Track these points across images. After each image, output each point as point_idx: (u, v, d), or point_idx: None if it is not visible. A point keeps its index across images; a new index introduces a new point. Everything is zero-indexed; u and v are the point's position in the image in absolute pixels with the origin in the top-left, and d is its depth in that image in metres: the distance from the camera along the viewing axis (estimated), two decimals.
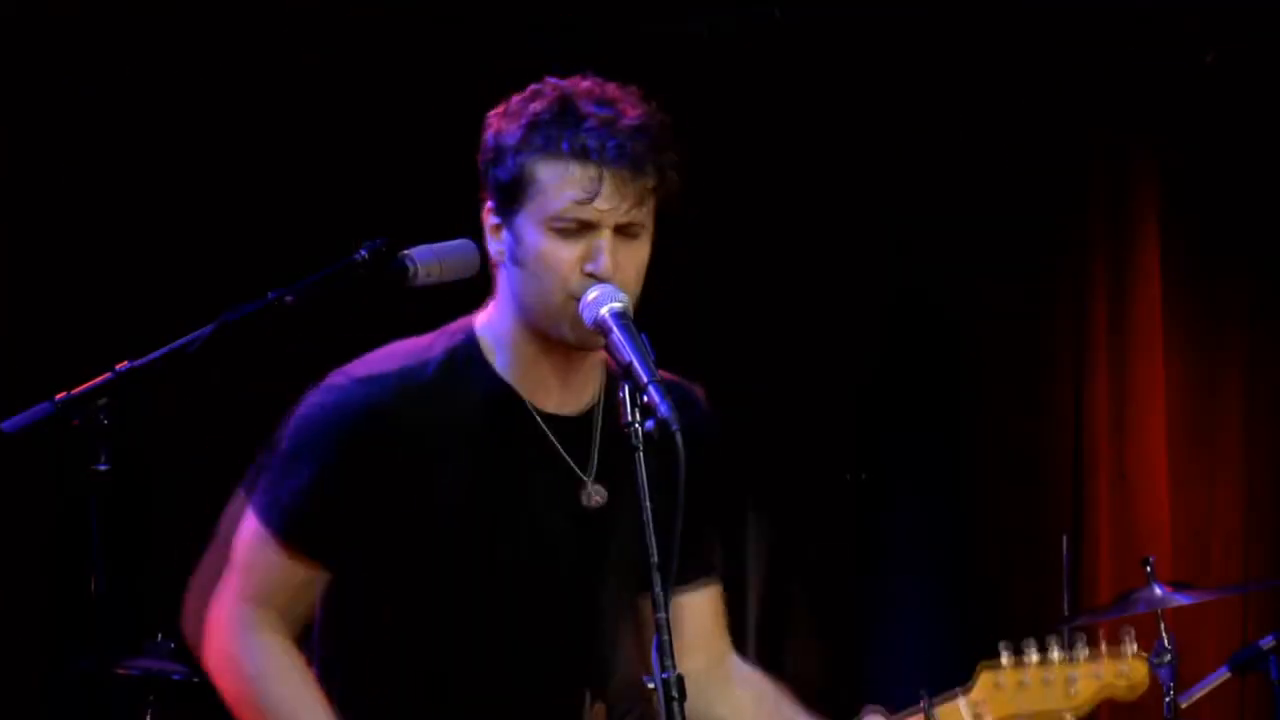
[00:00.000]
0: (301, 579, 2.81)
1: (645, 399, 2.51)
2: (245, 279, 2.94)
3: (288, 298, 2.59)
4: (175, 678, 5.23)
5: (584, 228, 2.69)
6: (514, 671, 2.81)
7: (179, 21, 5.92)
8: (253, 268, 5.26)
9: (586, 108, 2.71)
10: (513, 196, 2.74)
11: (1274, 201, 6.42)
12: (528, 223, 2.72)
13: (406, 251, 2.69)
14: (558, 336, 2.73)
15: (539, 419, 2.79)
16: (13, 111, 5.78)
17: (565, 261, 2.69)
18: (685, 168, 2.78)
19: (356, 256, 2.65)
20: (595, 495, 2.82)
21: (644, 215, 2.73)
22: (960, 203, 6.49)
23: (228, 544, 2.84)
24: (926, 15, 6.29)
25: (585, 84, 2.74)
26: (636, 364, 2.54)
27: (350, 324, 3.26)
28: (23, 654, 5.73)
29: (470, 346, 2.82)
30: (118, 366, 2.49)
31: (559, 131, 2.70)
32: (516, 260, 2.74)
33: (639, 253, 2.74)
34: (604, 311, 2.63)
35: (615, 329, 2.60)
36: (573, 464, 2.81)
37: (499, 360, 2.80)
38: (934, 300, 6.56)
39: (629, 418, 2.53)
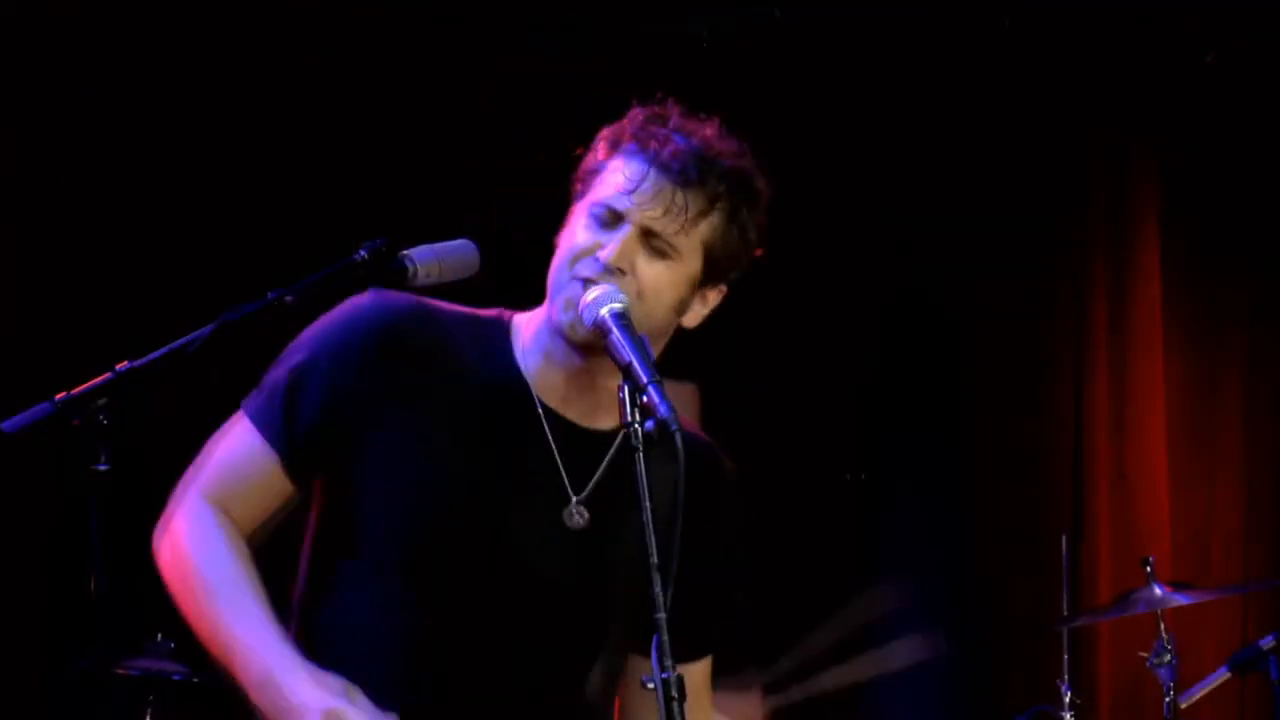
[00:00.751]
0: (261, 475, 2.76)
1: (645, 399, 2.51)
2: (245, 279, 2.94)
3: (288, 298, 2.59)
4: (175, 678, 5.23)
5: (614, 221, 2.69)
6: (465, 668, 2.73)
7: (179, 21, 5.92)
8: (253, 268, 5.27)
9: (673, 123, 2.73)
10: (584, 183, 2.76)
11: (1274, 201, 6.42)
12: (578, 208, 2.75)
13: (406, 251, 2.69)
14: (555, 321, 2.70)
15: (544, 415, 2.75)
16: (13, 111, 5.78)
17: (586, 243, 2.69)
18: (763, 241, 2.77)
19: (356, 256, 2.65)
20: (577, 516, 2.77)
21: (677, 236, 2.69)
22: (960, 203, 6.49)
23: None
24: (926, 15, 6.29)
25: (699, 120, 2.75)
26: (636, 364, 2.53)
27: None
28: (23, 654, 5.73)
29: (499, 325, 2.81)
30: (118, 366, 2.49)
31: (634, 133, 2.72)
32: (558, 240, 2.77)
33: (663, 274, 2.70)
34: (604, 312, 2.62)
35: (615, 329, 2.59)
36: (564, 475, 2.76)
37: (521, 346, 2.78)
38: (934, 300, 6.55)
39: (628, 418, 2.52)
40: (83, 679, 5.38)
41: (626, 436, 2.60)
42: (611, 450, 2.77)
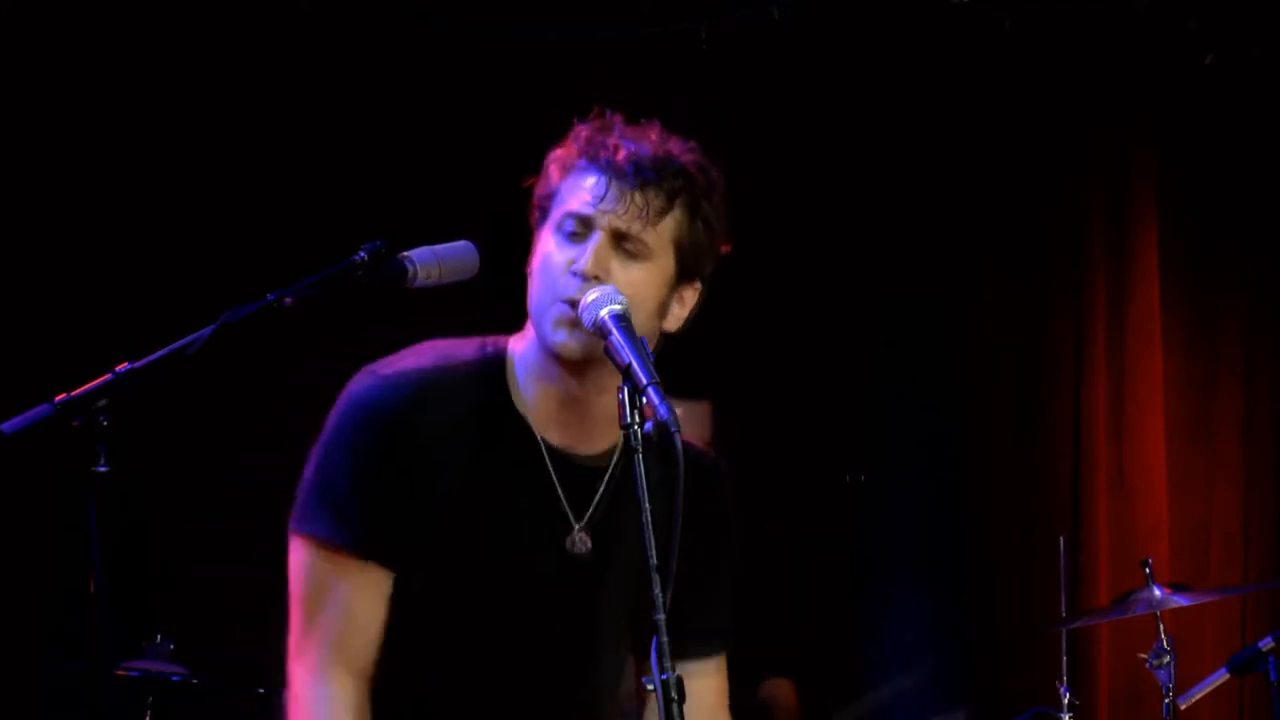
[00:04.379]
0: (367, 594, 2.76)
1: (644, 401, 2.50)
2: (245, 279, 2.94)
3: (287, 299, 2.59)
4: (175, 679, 5.24)
5: (583, 231, 2.69)
6: (481, 703, 2.79)
7: (179, 21, 5.93)
8: (253, 268, 5.27)
9: (620, 131, 2.75)
10: (543, 210, 2.77)
11: (1274, 201, 6.42)
12: (545, 231, 2.75)
13: (406, 253, 2.69)
14: (545, 344, 2.72)
15: (545, 453, 2.77)
16: (12, 111, 5.78)
17: (559, 261, 2.69)
18: (730, 232, 2.80)
19: (356, 258, 2.65)
20: (579, 543, 2.79)
21: (648, 235, 2.71)
22: (960, 203, 6.49)
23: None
24: (926, 15, 6.30)
25: (642, 126, 2.78)
26: (636, 366, 2.52)
27: (350, 325, 3.27)
28: (22, 654, 5.73)
29: (497, 365, 2.81)
30: (117, 368, 2.49)
31: (585, 147, 2.74)
32: (530, 268, 2.77)
33: (640, 276, 2.71)
34: (603, 313, 2.61)
35: (615, 330, 2.58)
36: (566, 505, 2.78)
37: (519, 385, 2.79)
38: (933, 300, 6.56)
39: (628, 419, 2.52)
40: (82, 680, 5.39)
41: (623, 457, 2.72)
42: (607, 475, 2.81)
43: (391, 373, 2.78)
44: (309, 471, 2.79)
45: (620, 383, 2.53)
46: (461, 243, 2.76)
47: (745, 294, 6.47)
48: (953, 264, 6.54)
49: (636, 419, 2.52)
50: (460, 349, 2.83)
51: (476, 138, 6.13)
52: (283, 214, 5.99)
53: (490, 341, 2.84)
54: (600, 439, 2.80)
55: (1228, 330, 6.52)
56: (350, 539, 2.73)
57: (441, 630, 2.77)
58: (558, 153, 2.77)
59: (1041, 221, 6.55)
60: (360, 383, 2.79)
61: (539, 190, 2.78)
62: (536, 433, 2.78)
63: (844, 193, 6.48)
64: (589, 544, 2.80)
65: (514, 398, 2.79)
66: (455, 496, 2.74)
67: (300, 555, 2.78)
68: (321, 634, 2.75)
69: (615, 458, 2.81)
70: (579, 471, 2.80)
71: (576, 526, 2.79)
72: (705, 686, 2.94)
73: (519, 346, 2.82)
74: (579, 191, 2.71)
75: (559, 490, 2.78)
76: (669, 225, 2.73)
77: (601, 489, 2.81)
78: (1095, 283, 6.52)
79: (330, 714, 2.74)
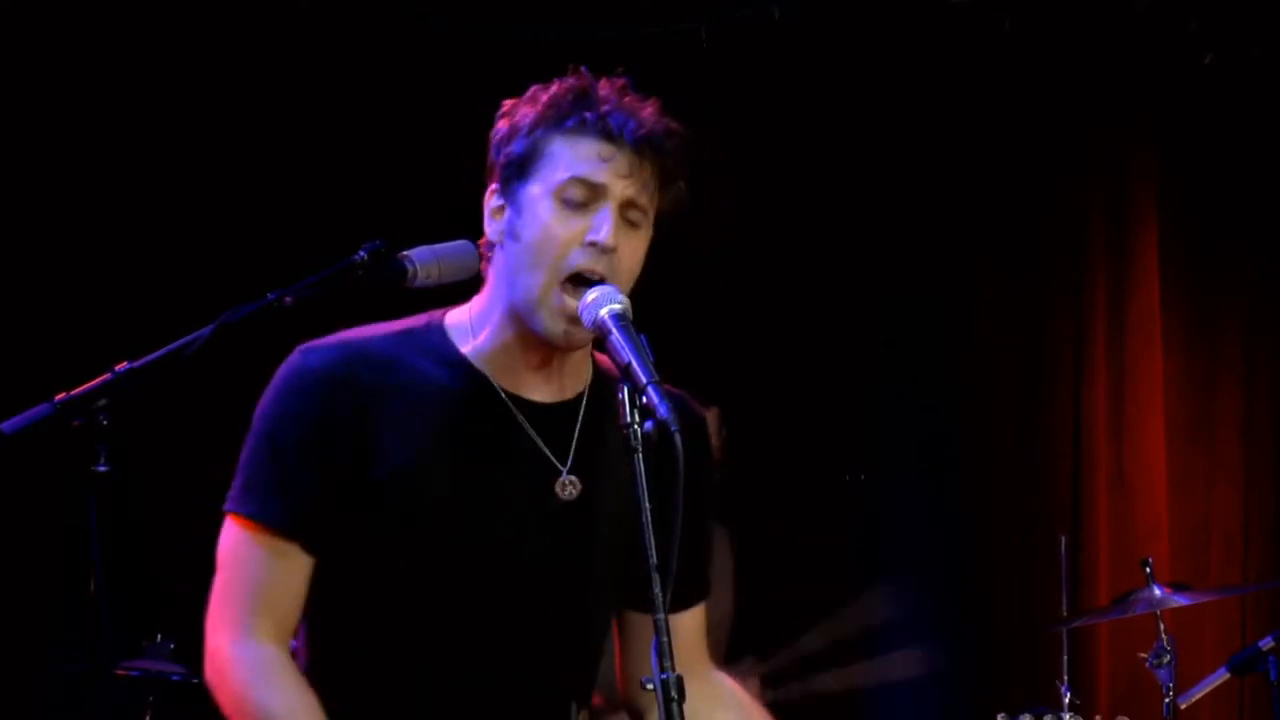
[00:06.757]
0: (285, 569, 2.73)
1: (644, 400, 2.50)
2: (245, 279, 2.94)
3: (286, 298, 2.59)
4: (175, 678, 5.24)
5: (590, 200, 2.67)
6: (480, 662, 2.75)
7: (179, 21, 5.93)
8: (253, 268, 5.27)
9: (605, 94, 2.71)
10: (521, 170, 2.72)
11: (1274, 202, 6.42)
12: (534, 194, 2.70)
13: (405, 253, 2.68)
14: (536, 327, 2.69)
15: (511, 404, 2.75)
16: (11, 111, 5.78)
17: (567, 232, 2.66)
18: (691, 189, 2.77)
19: (356, 257, 2.65)
20: (570, 487, 2.77)
21: (648, 204, 2.70)
22: (960, 202, 6.49)
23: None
24: (926, 15, 6.30)
25: (604, 80, 2.74)
26: (636, 365, 2.51)
27: (350, 325, 3.26)
28: (22, 654, 5.73)
29: (433, 331, 2.78)
30: (117, 367, 2.49)
31: (576, 110, 2.69)
32: (515, 234, 2.71)
33: (637, 245, 2.71)
34: (603, 313, 2.60)
35: (615, 330, 2.57)
36: (548, 452, 2.76)
37: (472, 344, 2.76)
38: (934, 300, 6.56)
39: (628, 419, 2.51)
40: (82, 680, 5.39)
41: (593, 396, 2.74)
42: (580, 416, 2.79)
43: (319, 345, 2.75)
44: (243, 451, 2.76)
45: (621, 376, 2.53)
46: (461, 242, 2.76)
47: (746, 294, 6.49)
48: (953, 264, 6.54)
49: (636, 418, 2.51)
50: (383, 325, 2.81)
51: (477, 138, 6.12)
52: (282, 214, 5.99)
53: (417, 316, 2.81)
54: (566, 386, 2.79)
55: (1228, 330, 6.53)
56: (277, 516, 2.71)
57: (428, 594, 2.73)
58: (540, 109, 2.71)
59: (1041, 221, 6.55)
60: (289, 360, 2.75)
61: (510, 146, 2.73)
62: (500, 386, 2.75)
63: (844, 192, 6.48)
64: (579, 486, 2.78)
65: (467, 355, 2.75)
66: (425, 461, 2.70)
67: (228, 533, 2.76)
68: (246, 603, 2.72)
69: (583, 400, 2.80)
70: (551, 417, 2.77)
71: (564, 471, 2.77)
72: (688, 629, 2.91)
73: (466, 311, 2.79)
74: (587, 157, 2.67)
75: (535, 438, 2.75)
76: (662, 198, 2.73)
77: (576, 431, 2.79)
78: (1095, 283, 6.53)
79: (269, 672, 2.71)
